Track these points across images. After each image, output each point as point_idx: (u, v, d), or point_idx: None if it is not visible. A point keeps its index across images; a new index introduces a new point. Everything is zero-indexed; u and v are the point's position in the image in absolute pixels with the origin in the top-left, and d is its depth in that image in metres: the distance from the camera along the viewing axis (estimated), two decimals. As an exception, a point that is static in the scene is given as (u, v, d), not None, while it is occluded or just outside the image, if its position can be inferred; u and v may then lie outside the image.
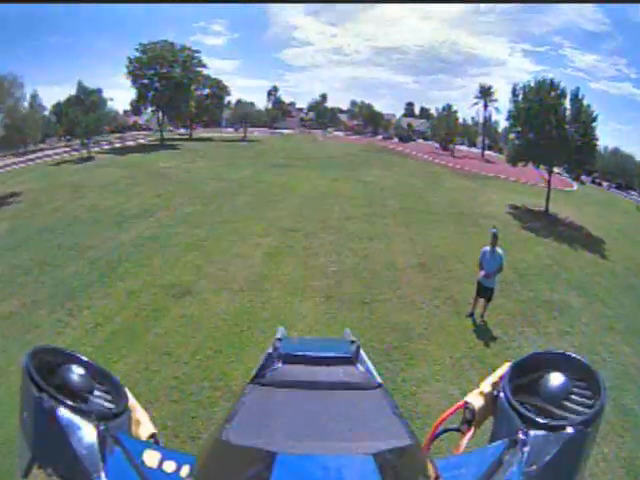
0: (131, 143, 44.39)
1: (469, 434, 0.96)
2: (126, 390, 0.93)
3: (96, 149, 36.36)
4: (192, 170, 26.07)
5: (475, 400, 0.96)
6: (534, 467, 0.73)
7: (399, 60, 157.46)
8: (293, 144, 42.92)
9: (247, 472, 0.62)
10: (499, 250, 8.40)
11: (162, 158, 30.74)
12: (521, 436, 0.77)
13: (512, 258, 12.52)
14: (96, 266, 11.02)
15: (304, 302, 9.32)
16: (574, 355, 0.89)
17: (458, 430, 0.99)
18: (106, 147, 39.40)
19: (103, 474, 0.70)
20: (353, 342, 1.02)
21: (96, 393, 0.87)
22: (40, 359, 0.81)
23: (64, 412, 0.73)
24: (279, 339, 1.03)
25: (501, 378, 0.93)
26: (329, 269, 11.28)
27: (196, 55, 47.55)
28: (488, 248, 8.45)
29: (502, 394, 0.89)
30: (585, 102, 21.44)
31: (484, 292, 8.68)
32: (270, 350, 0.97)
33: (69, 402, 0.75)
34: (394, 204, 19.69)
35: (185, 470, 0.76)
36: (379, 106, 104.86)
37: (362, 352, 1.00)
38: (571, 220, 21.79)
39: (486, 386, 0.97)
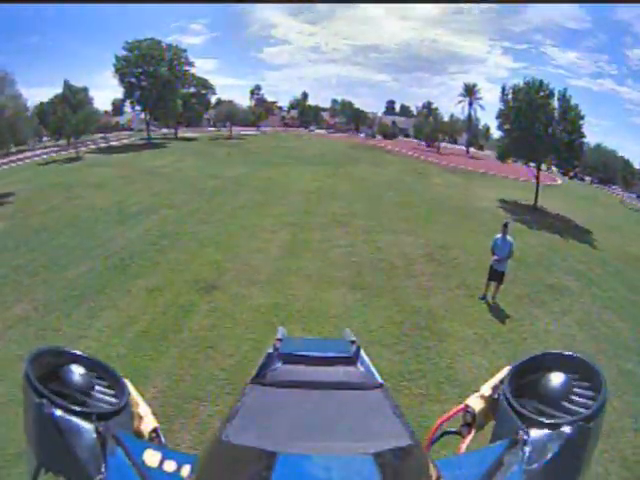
0: (115, 143, 43.65)
1: (469, 437, 0.97)
2: (127, 384, 0.95)
3: (83, 149, 35.82)
4: (183, 169, 25.93)
5: (475, 403, 0.99)
6: (535, 466, 0.73)
7: (377, 59, 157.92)
8: (280, 142, 42.83)
9: (248, 472, 0.63)
10: (509, 237, 9.28)
11: (152, 157, 30.65)
12: (522, 436, 0.77)
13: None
14: (108, 264, 10.73)
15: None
16: (573, 353, 0.90)
17: (458, 433, 1.00)
18: (92, 147, 38.78)
19: (104, 474, 0.72)
20: (353, 342, 1.02)
21: (97, 390, 0.88)
22: (40, 362, 0.82)
23: (64, 416, 0.76)
24: (279, 339, 1.02)
25: (501, 381, 0.95)
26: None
27: (183, 54, 47.44)
28: (499, 235, 9.35)
29: (502, 397, 0.91)
30: (572, 102, 22.44)
31: (496, 276, 9.49)
32: (270, 350, 0.97)
33: (69, 405, 0.78)
34: (392, 199, 20.29)
35: (185, 470, 0.78)
36: (358, 104, 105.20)
37: (362, 352, 1.00)
38: (559, 213, 22.81)
39: (486, 389, 0.99)
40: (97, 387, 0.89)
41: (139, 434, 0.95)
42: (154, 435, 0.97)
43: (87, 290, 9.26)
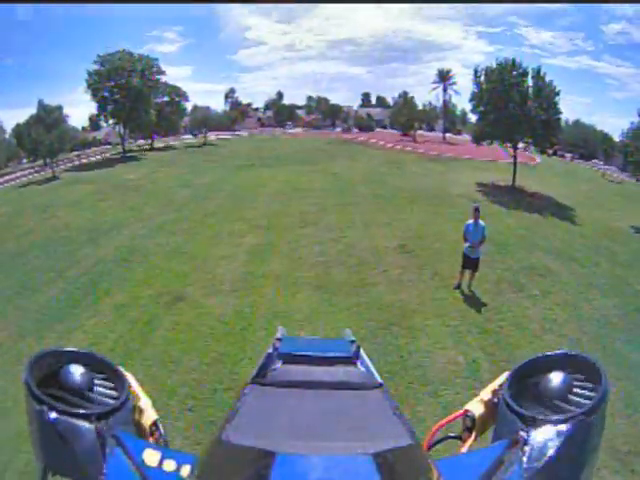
0: (93, 159, 42.83)
1: (469, 441, 0.97)
2: (128, 377, 0.95)
3: (61, 167, 35.02)
4: (156, 180, 25.34)
5: (475, 408, 0.98)
6: (535, 464, 0.72)
7: (353, 52, 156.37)
8: (255, 144, 42.55)
9: (247, 472, 0.63)
10: (481, 222, 8.85)
11: (126, 171, 29.79)
12: (522, 435, 0.77)
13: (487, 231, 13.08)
14: (78, 285, 10.49)
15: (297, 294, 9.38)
16: (572, 352, 0.90)
17: (459, 438, 1.00)
18: (69, 165, 37.76)
19: (105, 474, 0.72)
20: (353, 342, 1.04)
21: (97, 386, 0.88)
22: (40, 366, 0.83)
23: (65, 419, 0.76)
24: (279, 339, 1.04)
25: (501, 386, 0.95)
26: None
27: (154, 63, 46.53)
28: (471, 221, 8.88)
29: (502, 400, 0.90)
30: (547, 79, 22.19)
31: (470, 263, 9.04)
32: (270, 350, 0.99)
33: (68, 409, 0.77)
34: (366, 192, 19.80)
35: (185, 469, 0.77)
36: (335, 99, 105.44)
37: (362, 352, 1.02)
38: (538, 191, 22.46)
39: (486, 394, 0.98)
40: (97, 383, 0.89)
41: (140, 427, 0.94)
42: (154, 428, 0.95)
43: (58, 313, 9.08)
